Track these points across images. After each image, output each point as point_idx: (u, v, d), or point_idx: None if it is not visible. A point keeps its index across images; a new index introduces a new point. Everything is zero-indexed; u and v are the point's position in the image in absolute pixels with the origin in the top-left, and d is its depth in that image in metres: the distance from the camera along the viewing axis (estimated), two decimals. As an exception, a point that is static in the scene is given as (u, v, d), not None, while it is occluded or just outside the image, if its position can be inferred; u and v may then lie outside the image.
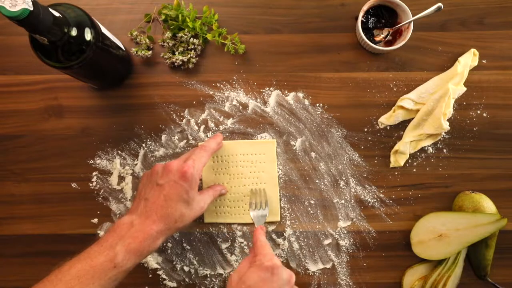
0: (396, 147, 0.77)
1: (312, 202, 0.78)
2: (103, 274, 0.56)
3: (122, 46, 0.75)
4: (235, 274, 0.62)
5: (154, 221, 0.60)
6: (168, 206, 0.61)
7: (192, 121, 0.79)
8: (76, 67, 0.62)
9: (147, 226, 0.60)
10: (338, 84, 0.79)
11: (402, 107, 0.78)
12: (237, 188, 0.76)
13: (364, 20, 0.78)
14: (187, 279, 0.77)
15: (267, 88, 0.80)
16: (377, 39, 0.78)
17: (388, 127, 0.79)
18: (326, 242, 0.77)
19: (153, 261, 0.77)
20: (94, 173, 0.78)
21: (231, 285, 0.60)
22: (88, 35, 0.61)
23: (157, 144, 0.79)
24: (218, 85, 0.80)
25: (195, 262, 0.77)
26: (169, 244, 0.77)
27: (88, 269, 0.56)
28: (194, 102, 0.79)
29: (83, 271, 0.56)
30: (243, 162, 0.77)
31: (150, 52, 0.78)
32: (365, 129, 0.79)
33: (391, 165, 0.78)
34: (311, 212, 0.77)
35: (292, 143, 0.79)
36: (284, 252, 0.77)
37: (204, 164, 0.66)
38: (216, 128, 0.79)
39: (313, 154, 0.78)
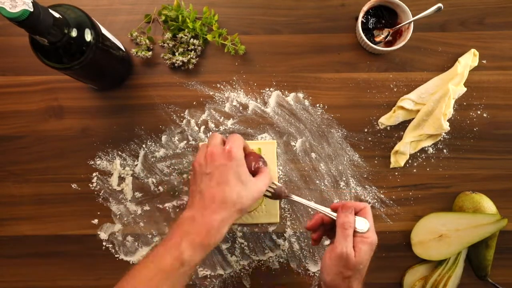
0: (396, 148, 0.77)
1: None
2: (172, 274, 0.54)
3: (122, 47, 0.75)
4: None
5: (214, 211, 0.57)
6: (223, 190, 0.58)
7: (192, 121, 0.79)
8: (76, 68, 0.62)
9: (209, 218, 0.57)
10: (338, 84, 0.79)
11: (402, 108, 0.78)
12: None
13: (364, 21, 0.78)
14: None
15: (267, 89, 0.80)
16: (377, 39, 0.78)
17: (388, 128, 0.79)
18: (327, 242, 0.77)
19: (153, 262, 0.77)
20: (94, 174, 0.78)
21: None
22: (88, 36, 0.61)
23: (157, 144, 0.79)
24: (218, 85, 0.80)
25: (195, 263, 0.77)
26: (170, 245, 0.77)
27: (156, 271, 0.54)
28: (194, 103, 0.79)
29: (151, 274, 0.54)
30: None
31: (150, 53, 0.78)
32: (365, 130, 0.79)
33: (391, 166, 0.78)
34: (312, 212, 0.77)
35: (292, 143, 0.79)
36: (285, 253, 0.77)
37: (242, 146, 0.62)
38: (216, 129, 0.79)
39: (313, 155, 0.78)
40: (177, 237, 0.56)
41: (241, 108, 0.79)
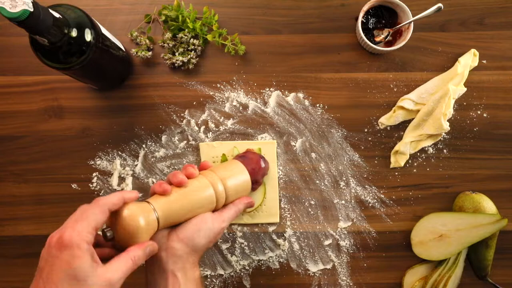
0: (396, 148, 0.77)
1: (312, 202, 0.78)
2: None
3: (122, 47, 0.75)
4: None
5: None
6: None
7: (192, 121, 0.79)
8: (76, 68, 0.62)
9: None
10: (338, 84, 0.79)
11: (402, 108, 0.78)
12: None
13: (364, 21, 0.78)
14: (187, 280, 0.77)
15: (267, 89, 0.80)
16: (377, 39, 0.78)
17: (388, 128, 0.79)
18: (327, 242, 0.77)
19: (153, 262, 0.77)
20: (94, 174, 0.78)
21: None
22: (88, 36, 0.61)
23: (157, 144, 0.79)
24: (218, 85, 0.80)
25: (195, 263, 0.77)
26: (170, 245, 0.77)
27: None
28: (194, 103, 0.79)
29: None
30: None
31: (150, 53, 0.78)
32: (365, 130, 0.79)
33: (391, 166, 0.78)
34: (312, 212, 0.77)
35: (292, 143, 0.79)
36: (285, 253, 0.77)
37: (95, 223, 0.48)
38: (217, 129, 0.79)
39: (313, 155, 0.78)
40: None
41: (241, 108, 0.79)
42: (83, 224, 0.47)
